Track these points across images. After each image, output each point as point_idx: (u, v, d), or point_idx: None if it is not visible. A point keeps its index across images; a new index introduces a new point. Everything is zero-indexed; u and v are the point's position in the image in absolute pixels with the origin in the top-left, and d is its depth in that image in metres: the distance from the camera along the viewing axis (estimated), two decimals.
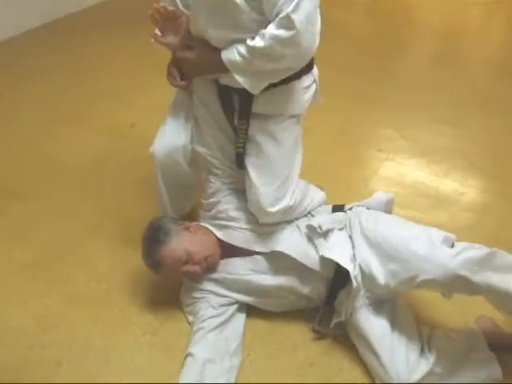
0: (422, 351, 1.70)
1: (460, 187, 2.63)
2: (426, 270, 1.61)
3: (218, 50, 1.66)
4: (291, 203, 1.86)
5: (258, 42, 1.56)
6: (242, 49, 1.60)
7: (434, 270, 1.60)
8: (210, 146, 1.90)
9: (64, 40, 3.98)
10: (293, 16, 1.50)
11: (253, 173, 1.82)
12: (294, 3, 1.49)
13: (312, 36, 1.60)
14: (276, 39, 1.54)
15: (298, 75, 1.78)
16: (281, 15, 1.51)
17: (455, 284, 1.60)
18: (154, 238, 1.81)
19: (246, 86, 1.67)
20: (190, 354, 1.70)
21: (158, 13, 1.67)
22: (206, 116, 1.87)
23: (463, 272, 1.56)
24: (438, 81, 3.71)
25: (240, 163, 1.86)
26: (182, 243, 1.80)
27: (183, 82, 1.81)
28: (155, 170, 2.00)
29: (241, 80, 1.65)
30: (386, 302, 1.79)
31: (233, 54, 1.62)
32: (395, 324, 1.74)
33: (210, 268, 1.86)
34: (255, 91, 1.69)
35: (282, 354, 1.79)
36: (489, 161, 2.84)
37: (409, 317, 1.80)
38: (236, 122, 1.82)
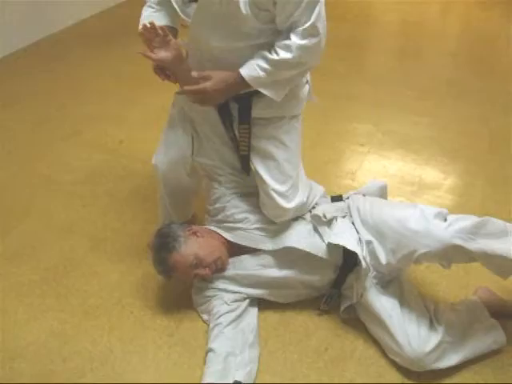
0: (430, 324, 1.79)
1: (441, 173, 2.76)
2: (423, 244, 1.72)
3: (233, 72, 1.69)
4: (304, 199, 1.95)
5: (285, 55, 1.62)
6: (264, 63, 1.65)
7: (429, 242, 1.71)
8: (211, 157, 1.96)
9: (49, 61, 4.02)
10: (317, 24, 1.59)
11: (265, 175, 1.88)
12: (315, 13, 1.58)
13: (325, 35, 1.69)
14: (304, 48, 1.62)
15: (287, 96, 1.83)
16: (306, 25, 1.58)
17: (451, 253, 1.72)
18: (164, 245, 1.87)
19: (273, 96, 1.73)
20: (210, 350, 1.76)
21: (148, 30, 1.67)
22: (205, 129, 1.93)
23: (457, 241, 1.67)
24: (406, 75, 3.88)
25: (246, 167, 1.93)
26: (191, 248, 1.86)
27: (155, 55, 1.72)
28: (157, 181, 2.07)
29: (267, 92, 1.72)
30: (393, 282, 1.89)
31: (255, 71, 1.66)
32: (403, 300, 1.84)
33: (219, 269, 1.92)
34: (280, 98, 1.76)
35: (297, 342, 1.87)
36: (464, 146, 2.99)
37: (415, 293, 1.90)
38: (236, 128, 1.88)
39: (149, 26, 1.66)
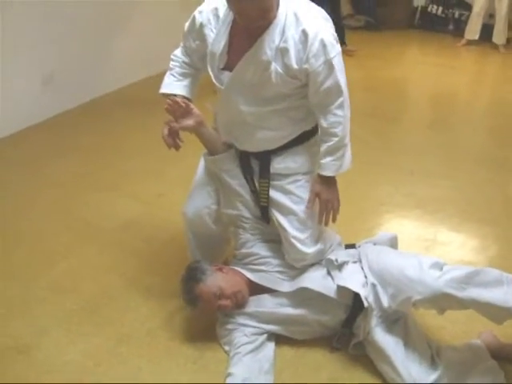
0: (432, 360, 1.95)
1: (454, 232, 2.94)
2: (417, 291, 1.90)
3: (323, 179, 2.07)
4: (322, 246, 2.17)
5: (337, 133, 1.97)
6: (331, 157, 2.01)
7: (422, 290, 1.89)
8: (237, 207, 2.19)
9: (94, 120, 4.41)
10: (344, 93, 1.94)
11: (286, 225, 2.12)
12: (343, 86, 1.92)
13: None
14: (346, 118, 1.97)
15: (307, 137, 2.11)
16: (339, 100, 1.93)
17: (443, 301, 1.91)
18: (192, 276, 2.10)
19: (348, 168, 2.09)
20: (229, 374, 1.95)
21: (172, 106, 2.01)
22: (231, 182, 2.17)
23: (448, 290, 1.86)
24: (430, 144, 4.13)
25: (266, 217, 2.18)
26: (215, 281, 2.08)
27: (178, 125, 2.05)
28: (185, 228, 2.32)
29: (344, 170, 2.08)
30: (399, 321, 2.05)
31: (334, 166, 2.03)
32: (408, 338, 2.00)
33: (239, 303, 2.12)
34: (350, 163, 2.10)
35: (309, 374, 2.04)
36: (478, 209, 3.17)
37: (419, 332, 2.06)
38: (257, 182, 2.15)
39: (171, 102, 1.98)
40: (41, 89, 4.29)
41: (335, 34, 1.90)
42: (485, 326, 2.05)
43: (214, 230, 2.27)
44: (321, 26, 1.86)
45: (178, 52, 2.17)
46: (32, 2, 4.04)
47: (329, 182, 2.07)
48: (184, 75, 2.15)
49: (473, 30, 6.72)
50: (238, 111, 2.00)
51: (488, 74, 6.17)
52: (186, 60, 2.15)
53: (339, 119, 1.95)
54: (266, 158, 2.10)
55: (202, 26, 1.99)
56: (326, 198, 2.08)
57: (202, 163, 2.26)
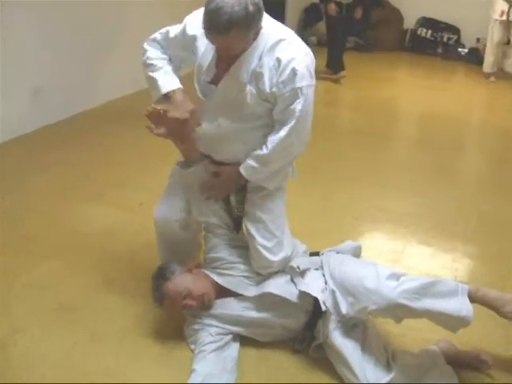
0: (387, 363, 2.06)
1: (424, 244, 3.06)
2: (372, 301, 2.02)
3: (237, 170, 2.15)
4: (288, 254, 2.29)
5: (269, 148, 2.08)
6: (255, 163, 2.11)
7: (378, 300, 2.01)
8: (208, 215, 2.31)
9: (80, 134, 4.53)
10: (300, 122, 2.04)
11: (254, 233, 2.24)
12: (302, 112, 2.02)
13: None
14: (289, 142, 2.07)
15: None
16: (292, 123, 2.02)
17: (397, 311, 2.03)
18: (161, 275, 2.22)
19: (268, 186, 2.19)
20: (193, 371, 2.06)
21: (151, 113, 2.08)
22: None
23: (402, 300, 1.98)
24: (412, 161, 4.30)
25: (238, 226, 2.30)
26: (183, 281, 2.19)
27: (161, 130, 2.09)
28: (155, 232, 2.43)
29: (263, 184, 2.18)
30: (358, 326, 2.16)
31: (251, 171, 2.13)
32: (365, 342, 2.11)
33: (205, 304, 2.22)
34: (273, 187, 2.21)
35: (271, 375, 2.14)
36: (452, 223, 3.31)
37: (377, 337, 2.17)
38: (233, 195, 2.28)
39: (150, 110, 2.07)
40: (30, 100, 4.42)
41: (311, 68, 2.03)
42: (444, 334, 2.15)
43: (183, 236, 2.38)
44: (297, 55, 1.97)
45: (156, 52, 2.18)
46: (23, 15, 4.18)
47: (237, 177, 2.19)
48: (173, 70, 2.19)
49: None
50: (219, 124, 2.12)
51: (477, 97, 6.34)
52: (166, 56, 2.19)
53: (276, 138, 2.05)
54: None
55: (194, 38, 2.08)
56: (219, 184, 2.23)
57: (174, 171, 2.36)
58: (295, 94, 1.97)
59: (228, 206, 2.35)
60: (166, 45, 2.18)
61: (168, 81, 2.14)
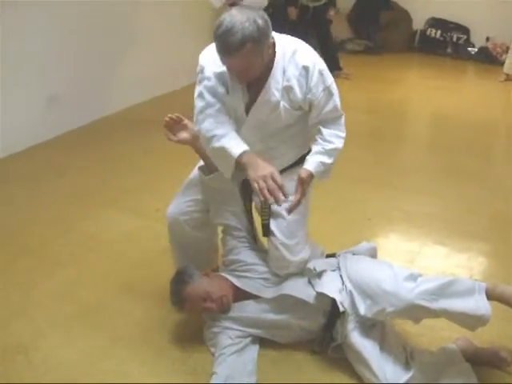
0: (406, 362, 2.07)
1: (439, 244, 3.06)
2: (390, 303, 2.03)
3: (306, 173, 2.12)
4: (306, 256, 2.30)
5: (339, 143, 2.15)
6: (325, 157, 2.13)
7: (396, 302, 2.02)
8: (228, 218, 2.33)
9: (95, 141, 4.59)
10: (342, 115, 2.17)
11: (276, 231, 2.23)
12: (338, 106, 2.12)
13: None
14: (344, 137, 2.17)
15: (303, 159, 2.19)
16: (342, 119, 2.16)
17: (416, 312, 2.04)
18: (180, 279, 2.24)
19: (326, 179, 2.21)
20: (214, 373, 2.07)
21: (168, 122, 2.20)
22: (226, 196, 2.30)
23: (420, 302, 1.99)
24: (424, 162, 4.31)
25: (266, 233, 2.26)
26: (202, 285, 2.22)
27: (175, 138, 2.25)
28: (169, 236, 2.47)
29: (324, 179, 2.21)
30: (376, 326, 2.17)
31: (320, 167, 2.12)
32: (384, 341, 2.12)
33: (224, 307, 2.24)
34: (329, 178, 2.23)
35: (291, 375, 2.15)
36: (465, 223, 3.30)
37: (395, 336, 2.19)
38: (259, 202, 2.24)
39: (167, 119, 2.19)
40: (45, 109, 4.48)
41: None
42: (463, 332, 2.16)
43: (197, 236, 2.40)
44: (315, 57, 2.06)
45: (210, 122, 2.09)
46: (41, 24, 4.27)
47: (311, 178, 2.15)
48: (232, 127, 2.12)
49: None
50: (249, 146, 2.08)
51: (488, 96, 6.31)
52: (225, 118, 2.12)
53: (336, 129, 2.15)
54: None
55: (214, 88, 2.07)
56: (305, 190, 2.17)
57: (195, 173, 2.38)
58: (329, 92, 2.07)
59: (250, 215, 2.36)
60: (212, 112, 2.09)
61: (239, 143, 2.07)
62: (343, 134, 2.16)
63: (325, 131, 2.13)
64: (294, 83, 2.02)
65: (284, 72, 2.02)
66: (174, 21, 5.56)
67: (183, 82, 5.55)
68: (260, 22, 1.84)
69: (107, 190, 3.71)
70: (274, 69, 2.01)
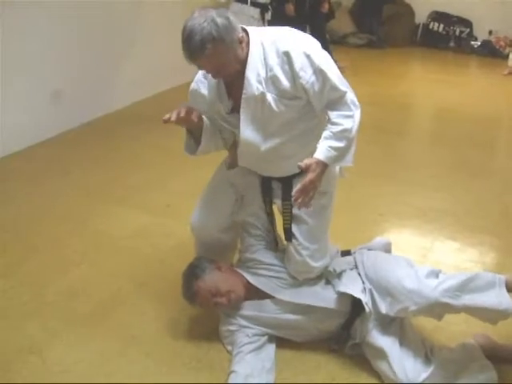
0: (426, 358, 2.05)
1: (451, 239, 3.05)
2: (413, 301, 2.02)
3: (316, 161, 1.94)
4: (327, 262, 2.27)
5: (348, 124, 1.96)
6: (333, 141, 1.95)
7: (419, 300, 2.01)
8: (249, 216, 2.28)
9: (103, 136, 4.56)
10: (348, 91, 1.99)
11: (298, 235, 2.19)
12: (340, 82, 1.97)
13: None
14: (358, 114, 1.99)
15: None
16: (346, 98, 1.96)
17: (439, 309, 2.03)
18: (191, 273, 2.22)
19: (347, 164, 2.06)
20: (233, 371, 2.05)
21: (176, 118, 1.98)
22: (248, 195, 2.27)
23: (444, 299, 1.98)
24: (430, 156, 4.28)
25: (288, 237, 2.22)
26: (212, 279, 2.19)
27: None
28: (194, 239, 2.42)
29: (342, 164, 2.09)
30: (394, 322, 2.15)
31: (330, 152, 1.95)
32: (403, 337, 2.11)
33: (234, 302, 2.21)
34: (352, 163, 2.07)
35: (308, 373, 2.14)
36: (476, 217, 3.28)
37: (414, 332, 2.17)
38: (278, 202, 2.24)
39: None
40: (48, 107, 4.44)
41: (318, 45, 1.99)
42: (481, 326, 2.15)
43: (222, 238, 2.36)
44: (300, 42, 1.95)
45: None
46: (44, 21, 4.23)
47: (323, 168, 1.98)
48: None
49: None
50: (256, 149, 2.07)
51: (491, 89, 6.29)
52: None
53: (343, 110, 1.97)
54: (288, 180, 2.18)
55: (197, 90, 2.10)
56: (312, 178, 1.95)
57: (217, 174, 2.34)
58: (320, 72, 1.92)
59: (270, 217, 2.31)
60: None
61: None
62: (351, 113, 1.96)
63: (332, 114, 1.98)
64: (278, 71, 1.93)
65: (265, 62, 1.94)
66: (176, 18, 5.51)
67: (186, 77, 5.49)
68: (219, 20, 1.80)
69: (114, 187, 3.68)
70: (248, 62, 1.94)
